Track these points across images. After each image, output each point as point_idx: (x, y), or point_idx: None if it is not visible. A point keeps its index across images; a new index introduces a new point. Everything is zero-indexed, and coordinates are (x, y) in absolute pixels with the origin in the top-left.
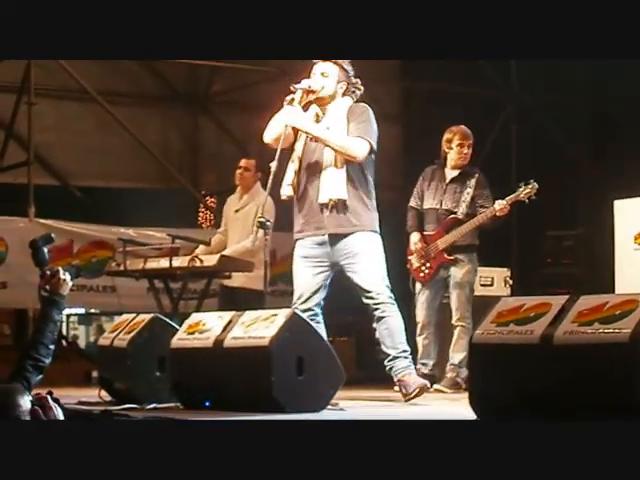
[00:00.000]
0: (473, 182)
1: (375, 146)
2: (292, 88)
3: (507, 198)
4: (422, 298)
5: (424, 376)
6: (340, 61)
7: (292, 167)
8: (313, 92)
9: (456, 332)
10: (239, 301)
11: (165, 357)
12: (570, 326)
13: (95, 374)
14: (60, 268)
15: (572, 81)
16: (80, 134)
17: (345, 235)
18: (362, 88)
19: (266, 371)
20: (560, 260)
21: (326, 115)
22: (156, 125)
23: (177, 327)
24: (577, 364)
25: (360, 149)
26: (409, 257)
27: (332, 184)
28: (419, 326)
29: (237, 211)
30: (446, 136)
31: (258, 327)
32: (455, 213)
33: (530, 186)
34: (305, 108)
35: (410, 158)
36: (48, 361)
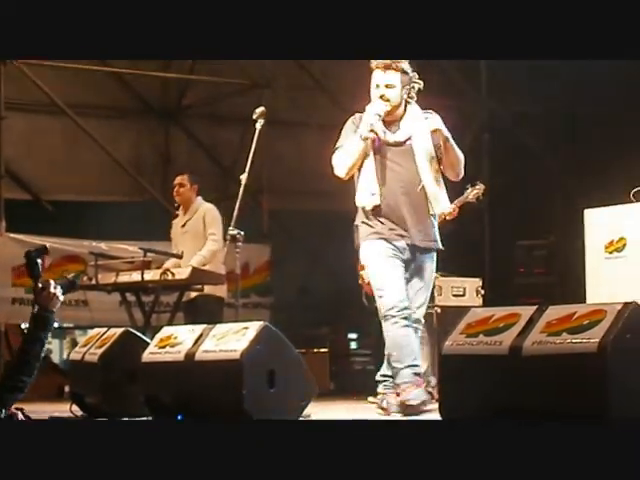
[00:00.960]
0: None
1: None
2: (370, 126)
3: (455, 201)
4: None
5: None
6: (400, 64)
7: (371, 176)
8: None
9: None
10: (200, 308)
11: (136, 371)
12: (539, 336)
13: (67, 388)
14: (52, 281)
15: (543, 89)
16: (51, 148)
17: (425, 249)
18: (421, 82)
19: (237, 384)
20: (532, 269)
21: (402, 121)
22: (128, 138)
23: (149, 341)
24: (546, 374)
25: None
26: (360, 272)
27: (440, 197)
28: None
29: (183, 226)
30: None
31: (229, 340)
32: None
33: (477, 187)
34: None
35: None
36: (30, 379)
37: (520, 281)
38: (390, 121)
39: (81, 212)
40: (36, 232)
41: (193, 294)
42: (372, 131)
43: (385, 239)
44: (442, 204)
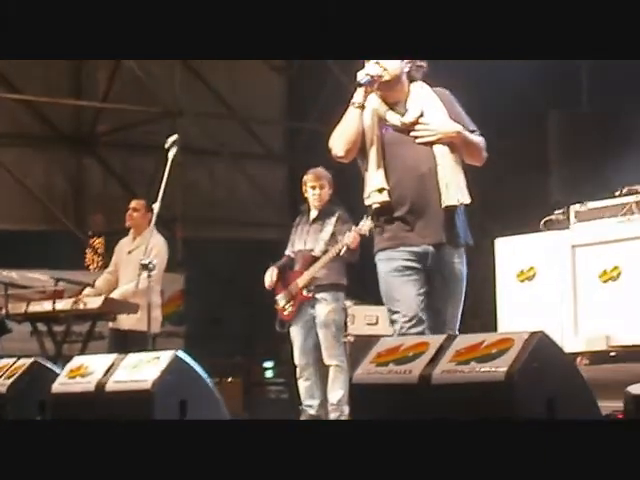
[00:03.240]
0: (333, 220)
1: None
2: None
3: (353, 229)
4: (295, 340)
5: (310, 418)
6: None
7: (378, 168)
8: (379, 78)
9: (330, 371)
10: (130, 344)
11: (46, 402)
12: (448, 365)
13: None
14: None
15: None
16: None
17: (454, 246)
18: (424, 65)
19: (148, 415)
20: None
21: (408, 100)
22: (39, 166)
23: (59, 371)
24: (455, 403)
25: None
26: (276, 297)
27: (457, 186)
28: (298, 369)
29: (130, 252)
30: (303, 179)
31: (141, 370)
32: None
33: (369, 220)
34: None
35: (295, 197)
36: None
37: None
38: (394, 102)
39: None
40: None
41: (124, 327)
42: (362, 87)
43: (400, 245)
44: (455, 194)
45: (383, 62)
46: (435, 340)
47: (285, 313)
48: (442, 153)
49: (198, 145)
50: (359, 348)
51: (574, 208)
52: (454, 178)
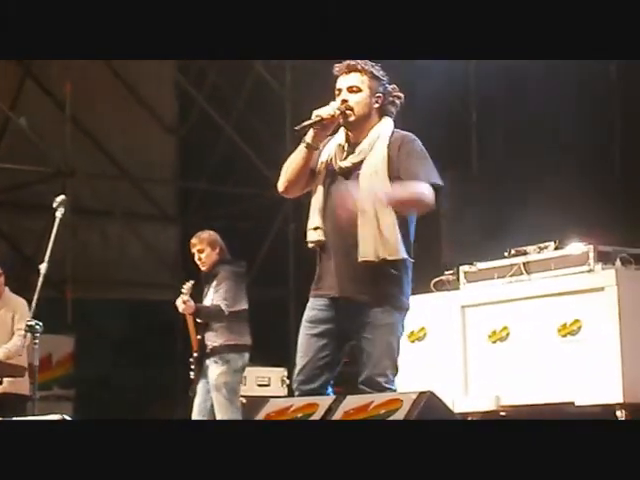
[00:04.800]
0: (215, 282)
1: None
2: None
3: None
4: (196, 399)
5: None
6: (368, 67)
7: (316, 207)
8: (330, 120)
9: None
10: (3, 407)
11: None
12: None
13: None
14: None
15: None
16: None
17: (366, 303)
18: (402, 96)
19: None
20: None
21: (361, 142)
22: None
23: None
24: None
25: (430, 199)
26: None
27: (374, 240)
28: None
29: None
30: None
31: None
32: None
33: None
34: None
35: (187, 258)
36: None
37: None
38: (353, 141)
39: None
40: None
41: None
42: (305, 127)
43: (317, 295)
44: (371, 249)
45: (352, 101)
46: (324, 401)
47: (191, 377)
48: (365, 203)
49: (90, 205)
50: (251, 410)
51: (464, 269)
52: (373, 232)
